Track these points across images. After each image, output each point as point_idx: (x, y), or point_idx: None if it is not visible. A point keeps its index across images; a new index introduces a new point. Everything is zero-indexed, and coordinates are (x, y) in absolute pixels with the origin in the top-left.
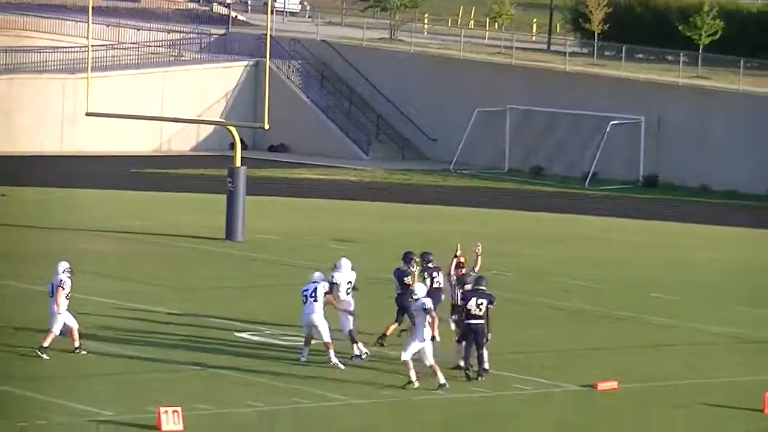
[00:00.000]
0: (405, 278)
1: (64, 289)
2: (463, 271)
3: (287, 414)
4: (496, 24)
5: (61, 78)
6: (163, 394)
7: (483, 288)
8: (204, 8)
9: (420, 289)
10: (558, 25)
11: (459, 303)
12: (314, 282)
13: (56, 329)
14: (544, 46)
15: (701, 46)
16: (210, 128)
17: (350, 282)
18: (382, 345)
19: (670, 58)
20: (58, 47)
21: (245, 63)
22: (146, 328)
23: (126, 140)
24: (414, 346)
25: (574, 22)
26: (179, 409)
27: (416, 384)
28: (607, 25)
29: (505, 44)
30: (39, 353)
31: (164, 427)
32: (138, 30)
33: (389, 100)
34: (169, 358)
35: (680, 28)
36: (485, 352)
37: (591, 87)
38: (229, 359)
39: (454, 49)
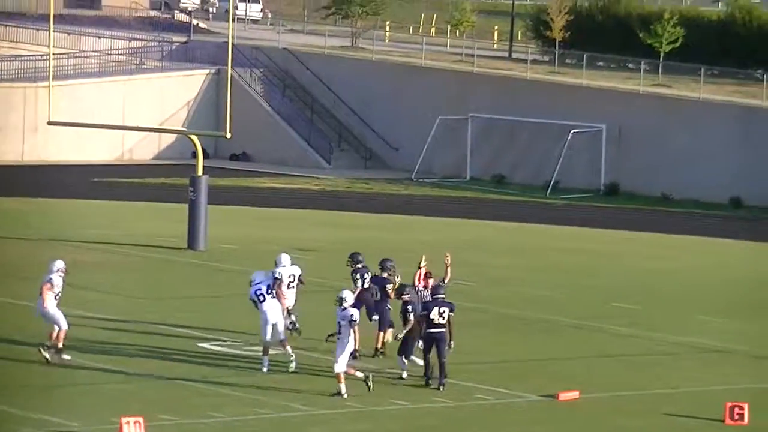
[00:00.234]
0: (387, 286)
1: (52, 287)
2: (431, 282)
3: (250, 424)
4: (457, 31)
5: (22, 87)
6: (127, 404)
7: (442, 296)
8: (165, 16)
9: (348, 297)
10: (519, 33)
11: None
12: (259, 282)
13: (63, 324)
14: (506, 54)
15: (662, 54)
16: (172, 137)
17: (292, 275)
18: (383, 355)
19: (631, 65)
20: (18, 56)
21: (207, 71)
22: (109, 338)
23: (88, 149)
24: (344, 357)
25: (536, 29)
26: (141, 419)
27: (345, 395)
28: (569, 33)
29: (467, 52)
30: (61, 356)
31: None
32: (99, 38)
33: (351, 109)
34: (132, 369)
35: (641, 35)
36: (446, 362)
37: (553, 95)
38: (191, 369)
39: (416, 57)
